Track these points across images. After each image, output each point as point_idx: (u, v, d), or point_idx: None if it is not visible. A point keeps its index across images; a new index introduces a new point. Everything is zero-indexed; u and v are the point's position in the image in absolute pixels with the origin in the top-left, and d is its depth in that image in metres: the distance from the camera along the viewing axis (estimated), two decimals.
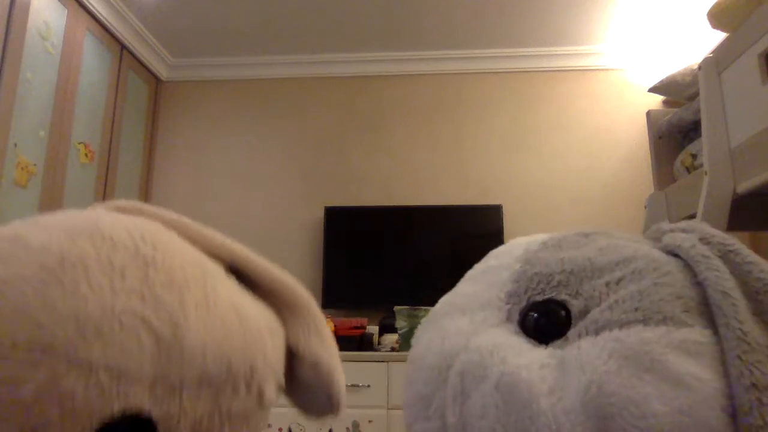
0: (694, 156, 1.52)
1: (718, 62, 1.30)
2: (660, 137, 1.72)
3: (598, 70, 2.77)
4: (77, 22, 2.21)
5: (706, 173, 1.26)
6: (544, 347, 0.36)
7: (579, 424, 0.31)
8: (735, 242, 0.35)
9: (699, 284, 0.34)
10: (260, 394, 0.40)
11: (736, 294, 0.32)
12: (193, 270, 0.39)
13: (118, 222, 0.39)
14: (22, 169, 1.92)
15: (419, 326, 0.46)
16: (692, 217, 1.31)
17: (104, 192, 2.39)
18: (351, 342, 2.14)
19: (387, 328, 2.30)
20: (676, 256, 0.38)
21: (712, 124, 1.28)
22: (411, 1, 2.40)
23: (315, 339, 0.45)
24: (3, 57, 1.84)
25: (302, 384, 0.45)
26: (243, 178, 2.77)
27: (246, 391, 0.39)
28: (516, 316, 0.39)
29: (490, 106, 2.79)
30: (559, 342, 0.36)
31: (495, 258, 0.46)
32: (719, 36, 1.90)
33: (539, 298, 0.38)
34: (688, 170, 1.55)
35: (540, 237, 0.45)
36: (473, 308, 0.41)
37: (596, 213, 2.59)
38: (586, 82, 2.77)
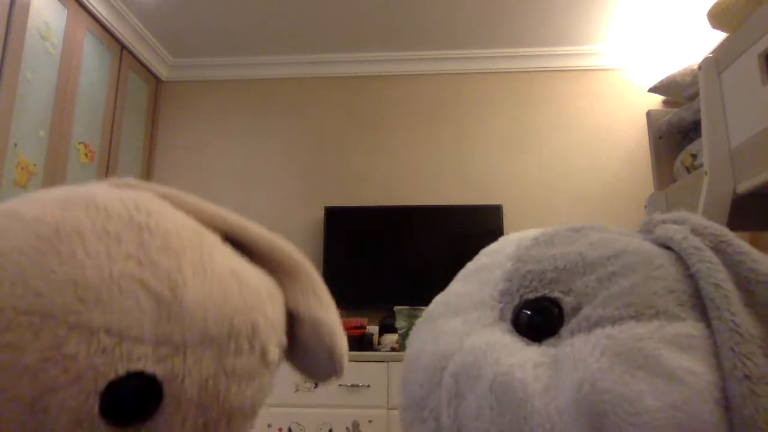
0: (694, 156, 1.52)
1: (718, 62, 1.30)
2: (660, 137, 1.72)
3: (598, 70, 2.77)
4: (77, 22, 2.21)
5: (706, 173, 1.26)
6: (537, 345, 0.36)
7: (573, 423, 0.31)
8: (727, 233, 0.35)
9: (691, 277, 0.34)
10: (264, 353, 0.40)
11: (728, 285, 0.32)
12: (189, 236, 0.39)
13: (111, 193, 0.39)
14: (22, 169, 1.92)
15: (414, 327, 0.45)
16: None
17: None
18: (351, 342, 2.11)
19: (387, 328, 2.30)
20: (668, 248, 0.37)
21: (712, 124, 1.28)
22: (411, 1, 2.40)
23: (314, 300, 0.45)
24: (3, 57, 1.84)
25: (304, 347, 0.45)
26: (243, 178, 2.78)
27: (249, 350, 0.39)
28: (509, 315, 0.39)
29: (490, 106, 2.79)
30: (552, 340, 0.36)
31: (487, 256, 0.46)
32: (719, 36, 1.90)
33: (531, 296, 0.38)
34: (688, 170, 1.55)
35: (531, 233, 0.45)
36: (466, 308, 0.41)
37: (596, 213, 2.59)
38: (586, 82, 2.77)
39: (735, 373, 0.29)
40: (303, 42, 2.72)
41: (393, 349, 2.18)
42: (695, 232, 0.36)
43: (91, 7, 2.26)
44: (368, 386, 1.98)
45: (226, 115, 2.86)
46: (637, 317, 0.33)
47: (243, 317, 0.38)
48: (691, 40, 2.51)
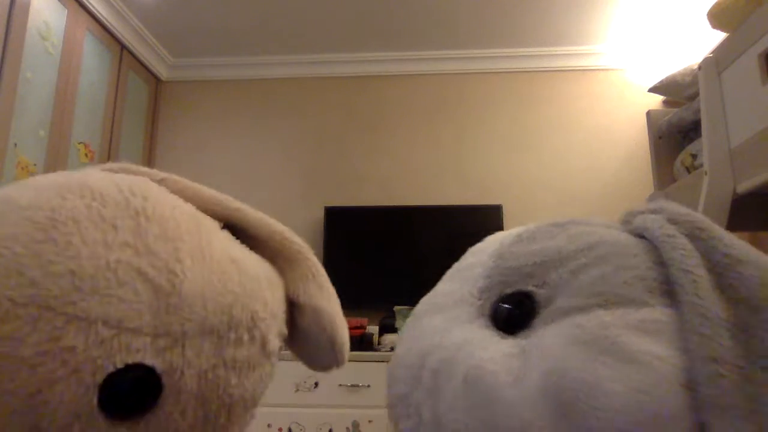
0: (694, 156, 1.52)
1: (718, 62, 1.30)
2: (660, 137, 1.72)
3: (598, 70, 2.77)
4: (77, 22, 2.21)
5: (706, 173, 1.26)
6: (513, 338, 0.37)
7: (540, 411, 0.31)
8: (703, 219, 0.35)
9: (664, 264, 0.35)
10: (263, 342, 0.39)
11: (699, 271, 0.32)
12: (187, 222, 0.38)
13: (106, 178, 0.38)
14: (22, 169, 1.92)
15: (403, 326, 0.46)
16: None
17: None
18: (351, 342, 2.13)
19: (387, 328, 2.30)
20: (645, 238, 0.38)
21: (712, 124, 1.28)
22: (411, 1, 2.40)
23: (314, 288, 0.45)
24: (3, 57, 1.84)
25: (305, 335, 0.44)
26: (243, 178, 2.77)
27: (249, 339, 0.38)
28: (488, 311, 0.40)
29: (490, 106, 2.79)
30: (526, 332, 0.36)
31: (472, 255, 0.46)
32: (719, 36, 1.90)
33: (508, 290, 0.39)
34: (688, 170, 1.55)
35: (516, 230, 0.45)
36: (448, 306, 0.42)
37: (596, 213, 2.58)
38: (586, 82, 2.77)
39: (700, 354, 0.29)
40: (303, 42, 2.72)
41: (393, 349, 2.17)
42: (671, 220, 0.36)
43: (91, 7, 2.26)
44: (368, 386, 1.98)
45: (226, 115, 2.86)
46: (604, 305, 0.33)
47: (243, 307, 0.38)
48: (691, 40, 2.51)
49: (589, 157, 2.69)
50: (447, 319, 0.41)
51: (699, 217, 0.36)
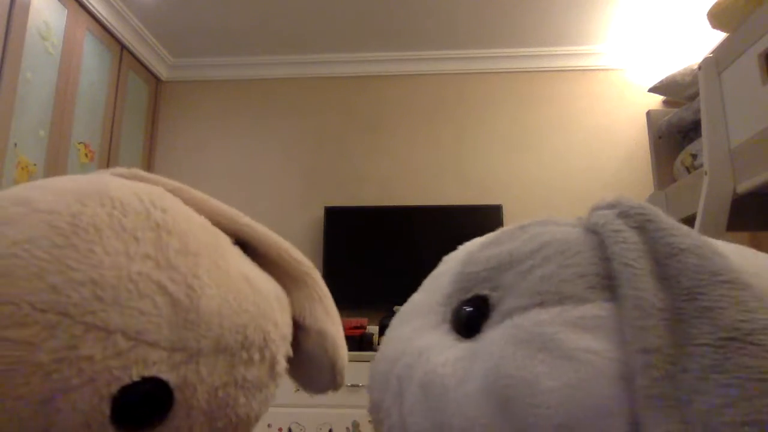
0: (694, 156, 1.52)
1: (718, 62, 1.30)
2: (660, 137, 1.72)
3: (598, 70, 2.77)
4: (77, 22, 2.21)
5: (706, 173, 1.26)
6: (469, 342, 0.38)
7: (483, 410, 0.32)
8: (653, 211, 0.36)
9: (609, 259, 0.35)
10: (273, 364, 0.40)
11: (640, 263, 0.32)
12: (204, 238, 0.38)
13: (124, 186, 0.37)
14: (22, 169, 1.92)
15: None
16: (692, 217, 1.31)
17: None
18: (351, 342, 2.14)
19: (387, 328, 2.30)
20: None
21: (712, 124, 1.28)
22: (411, 1, 2.40)
23: (320, 311, 0.45)
24: (3, 57, 1.84)
25: (307, 357, 0.44)
26: (243, 178, 2.78)
27: (260, 360, 0.38)
28: (449, 317, 0.41)
29: (490, 106, 2.79)
30: (479, 335, 0.37)
31: (444, 263, 0.48)
32: (719, 36, 1.90)
33: (467, 296, 0.40)
34: (688, 170, 1.55)
35: (485, 236, 0.47)
36: (417, 314, 0.44)
37: None
38: (586, 82, 2.77)
39: (633, 346, 0.29)
40: (303, 42, 2.72)
41: None
42: (622, 214, 0.37)
43: (91, 7, 2.26)
44: None
45: (226, 115, 2.86)
46: (542, 304, 0.34)
47: (256, 327, 0.38)
48: (691, 40, 2.51)
49: (589, 157, 2.69)
50: (415, 327, 0.42)
51: (650, 209, 0.36)
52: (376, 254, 2.57)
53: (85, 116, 2.28)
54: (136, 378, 0.32)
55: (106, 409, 0.31)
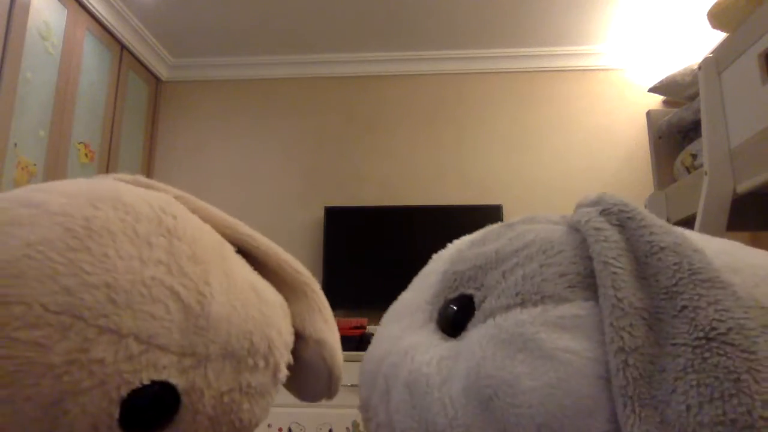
0: (694, 156, 1.52)
1: (718, 62, 1.30)
2: (660, 137, 1.72)
3: (598, 70, 2.77)
4: (77, 22, 2.21)
5: (706, 173, 1.26)
6: (454, 341, 0.38)
7: (465, 409, 0.33)
8: (634, 208, 0.36)
9: (590, 258, 0.35)
10: (275, 370, 0.40)
11: (620, 262, 0.32)
12: (213, 246, 0.39)
13: (134, 192, 0.38)
14: (22, 169, 1.92)
15: None
16: (693, 217, 1.31)
17: None
18: (351, 342, 2.14)
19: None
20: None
21: (712, 124, 1.28)
22: (411, 1, 2.40)
23: (320, 320, 0.45)
24: (3, 57, 1.84)
25: (305, 366, 0.45)
26: (243, 178, 2.77)
27: (264, 367, 0.39)
28: (435, 316, 0.41)
29: (490, 106, 2.79)
30: (463, 334, 0.37)
31: (433, 262, 0.48)
32: (719, 36, 1.90)
33: (454, 294, 0.40)
34: (688, 170, 1.55)
35: (473, 235, 0.47)
36: (406, 313, 0.44)
37: None
38: (586, 82, 2.77)
39: (612, 346, 0.29)
40: (303, 42, 2.72)
41: None
42: (605, 212, 0.37)
43: (91, 7, 2.26)
44: None
45: (226, 115, 2.86)
46: (522, 304, 0.34)
47: (261, 334, 0.38)
48: (691, 40, 2.51)
49: (589, 157, 2.69)
50: (403, 326, 0.42)
51: (632, 207, 0.36)
52: (377, 254, 2.57)
53: (85, 116, 2.28)
54: (146, 382, 0.32)
55: (115, 411, 0.31)
